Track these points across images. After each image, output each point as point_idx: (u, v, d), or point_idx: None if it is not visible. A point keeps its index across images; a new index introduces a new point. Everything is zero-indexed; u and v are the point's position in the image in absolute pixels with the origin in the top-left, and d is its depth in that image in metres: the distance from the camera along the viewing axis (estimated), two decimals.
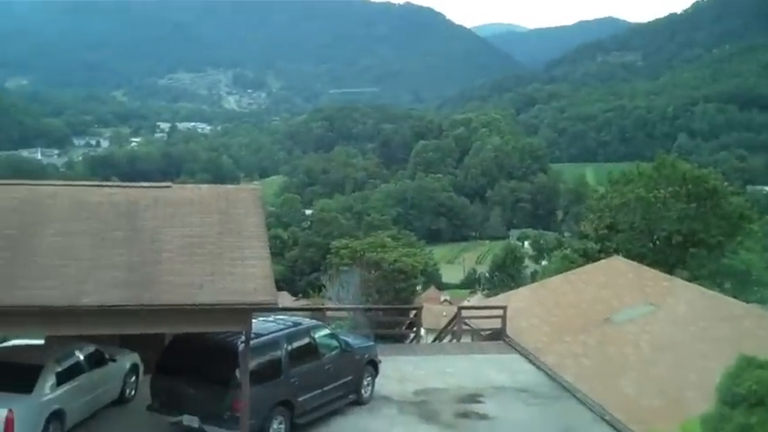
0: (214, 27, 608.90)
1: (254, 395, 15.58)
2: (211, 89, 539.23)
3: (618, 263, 30.41)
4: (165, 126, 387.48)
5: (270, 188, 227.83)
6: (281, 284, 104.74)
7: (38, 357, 16.88)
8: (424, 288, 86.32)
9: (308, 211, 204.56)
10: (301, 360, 17.90)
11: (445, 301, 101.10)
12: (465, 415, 19.49)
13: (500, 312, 26.07)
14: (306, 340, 18.50)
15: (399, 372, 22.42)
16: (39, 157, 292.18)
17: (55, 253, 16.05)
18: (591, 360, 22.24)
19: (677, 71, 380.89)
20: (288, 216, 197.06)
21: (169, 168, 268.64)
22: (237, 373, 15.66)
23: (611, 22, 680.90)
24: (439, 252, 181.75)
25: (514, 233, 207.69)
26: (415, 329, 27.50)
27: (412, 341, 27.41)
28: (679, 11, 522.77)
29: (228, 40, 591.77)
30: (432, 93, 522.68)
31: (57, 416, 16.22)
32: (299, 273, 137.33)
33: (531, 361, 23.68)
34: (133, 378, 19.72)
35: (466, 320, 26.74)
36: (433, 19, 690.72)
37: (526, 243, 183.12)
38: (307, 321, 19.82)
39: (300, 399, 17.51)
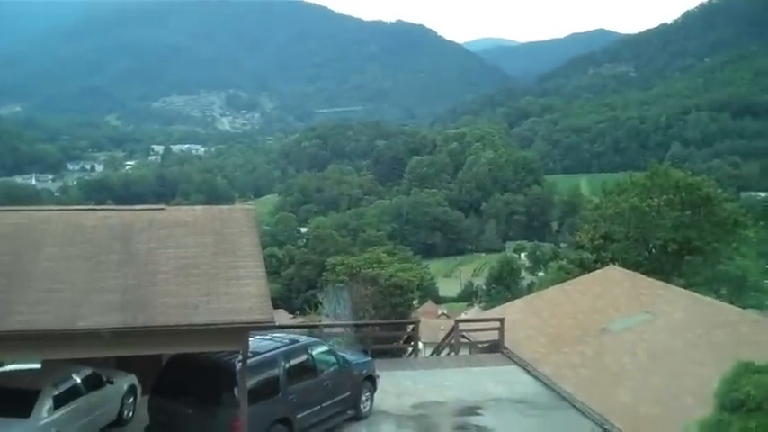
0: (207, 49, 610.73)
1: (252, 413, 15.59)
2: (205, 111, 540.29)
3: (613, 272, 30.47)
4: (159, 149, 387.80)
5: (265, 207, 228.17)
6: (278, 302, 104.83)
7: (35, 382, 16.88)
8: (421, 302, 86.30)
9: (304, 229, 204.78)
10: (299, 377, 17.92)
11: (442, 314, 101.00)
12: (463, 428, 19.50)
13: (497, 324, 26.09)
14: (303, 357, 18.52)
15: (397, 386, 22.42)
16: (33, 182, 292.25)
17: (50, 277, 16.08)
18: (589, 369, 22.25)
19: (669, 81, 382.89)
20: (283, 235, 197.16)
21: (164, 191, 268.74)
22: (235, 392, 15.66)
23: (602, 33, 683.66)
24: (435, 266, 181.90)
25: (510, 245, 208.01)
26: (412, 344, 27.52)
27: (410, 355, 27.42)
28: (670, 21, 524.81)
29: (221, 61, 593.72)
30: (424, 109, 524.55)
31: None
32: (296, 290, 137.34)
33: (528, 372, 23.70)
34: (131, 399, 19.70)
35: (463, 333, 26.77)
36: (424, 36, 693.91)
37: (522, 255, 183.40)
38: (304, 338, 19.85)
39: (299, 416, 17.52)
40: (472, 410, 20.66)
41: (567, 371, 22.42)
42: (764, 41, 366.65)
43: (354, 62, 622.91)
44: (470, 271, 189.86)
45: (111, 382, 18.90)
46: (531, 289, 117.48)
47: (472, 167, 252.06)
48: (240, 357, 15.83)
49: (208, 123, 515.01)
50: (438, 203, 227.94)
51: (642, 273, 31.53)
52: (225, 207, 21.93)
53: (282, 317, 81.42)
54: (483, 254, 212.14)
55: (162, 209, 19.66)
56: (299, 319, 66.84)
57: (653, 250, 40.94)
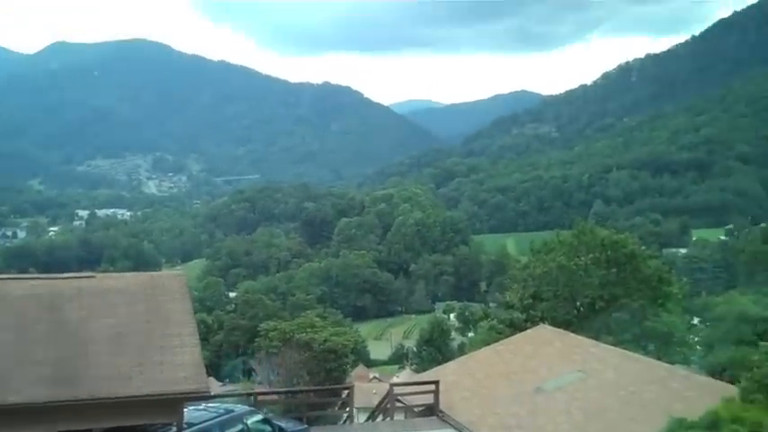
0: (132, 111, 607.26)
1: None
2: (131, 174, 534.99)
3: (544, 331, 30.76)
4: (83, 213, 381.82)
5: (192, 272, 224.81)
6: (208, 370, 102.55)
7: None
8: (353, 366, 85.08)
9: (233, 294, 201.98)
10: None
11: (374, 378, 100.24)
12: None
13: (432, 387, 26.00)
14: (239, 427, 18.17)
15: None
16: None
17: None
18: (524, 431, 22.32)
19: (590, 140, 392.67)
20: (211, 300, 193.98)
21: (89, 256, 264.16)
22: None
23: (524, 95, 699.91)
24: (365, 329, 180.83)
25: (440, 306, 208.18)
26: (347, 409, 27.23)
27: (345, 421, 27.10)
28: (589, 82, 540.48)
29: (147, 123, 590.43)
30: (352, 170, 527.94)
31: None
32: (226, 357, 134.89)
33: None
34: None
35: (398, 397, 26.61)
36: (351, 97, 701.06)
37: (452, 315, 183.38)
38: (239, 408, 19.52)
39: None
40: None
41: None
42: (678, 101, 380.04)
43: (282, 124, 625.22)
44: (401, 333, 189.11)
45: None
46: (462, 350, 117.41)
47: (400, 228, 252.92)
48: (175, 430, 15.53)
49: (134, 187, 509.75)
50: (367, 265, 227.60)
51: (572, 331, 31.90)
52: (156, 273, 21.64)
53: (212, 385, 79.57)
54: (413, 315, 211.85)
55: (92, 276, 19.33)
56: (230, 387, 65.58)
57: (581, 308, 41.45)
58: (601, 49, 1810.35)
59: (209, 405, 18.93)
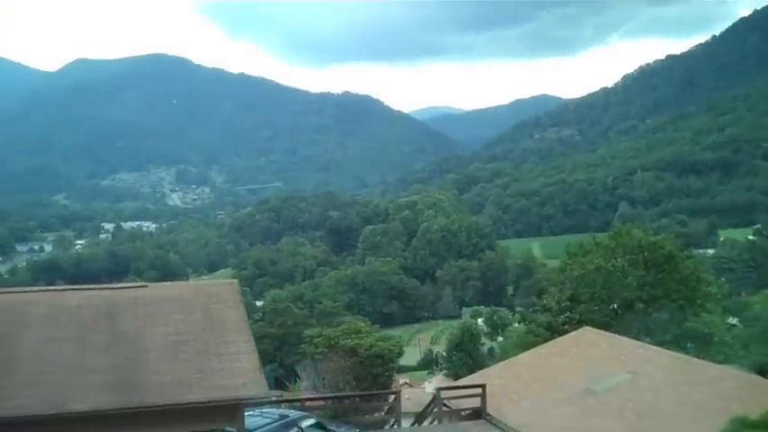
0: (155, 124, 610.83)
1: None
2: (155, 187, 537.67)
3: (589, 333, 30.54)
4: (109, 227, 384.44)
5: None
6: None
7: None
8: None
9: (259, 303, 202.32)
10: None
11: (405, 383, 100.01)
12: None
13: (479, 391, 25.89)
14: (293, 430, 18.31)
15: None
16: None
17: (37, 360, 15.81)
18: None
19: (613, 143, 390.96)
20: None
21: (116, 268, 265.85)
22: None
23: (545, 99, 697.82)
24: (393, 335, 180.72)
25: (467, 311, 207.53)
26: (394, 414, 27.18)
27: (392, 426, 27.07)
28: (610, 84, 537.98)
29: (170, 136, 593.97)
30: (374, 178, 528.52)
31: None
32: None
33: None
34: None
35: (445, 402, 26.52)
36: (372, 106, 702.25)
37: (479, 320, 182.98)
38: (293, 413, 19.63)
39: None
40: None
41: None
42: (701, 102, 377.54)
43: (304, 134, 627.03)
44: (428, 338, 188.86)
45: None
46: (491, 354, 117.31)
47: (425, 234, 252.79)
48: None
49: (158, 199, 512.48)
50: (393, 272, 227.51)
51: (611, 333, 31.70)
52: (208, 282, 21.87)
53: None
54: (440, 320, 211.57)
55: (145, 286, 19.49)
56: (274, 393, 65.57)
57: (619, 310, 41.27)
58: (620, 51, 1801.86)
59: (264, 411, 19.07)
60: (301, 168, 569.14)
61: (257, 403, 17.14)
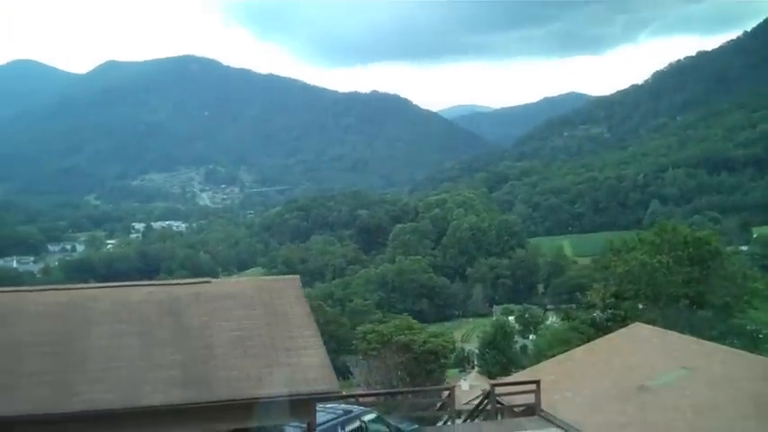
0: (183, 125, 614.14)
1: None
2: (184, 187, 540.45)
3: (641, 329, 30.28)
4: (139, 226, 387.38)
5: None
6: None
7: None
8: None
9: None
10: None
11: None
12: None
13: (533, 387, 25.71)
14: (357, 424, 18.37)
15: None
16: (15, 265, 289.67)
17: (104, 355, 15.90)
18: (635, 428, 21.91)
19: (644, 140, 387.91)
20: None
21: (146, 268, 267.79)
22: None
23: (573, 96, 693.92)
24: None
25: (497, 309, 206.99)
26: (448, 410, 27.06)
27: (446, 422, 26.96)
28: (640, 81, 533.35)
29: (199, 137, 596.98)
30: (403, 177, 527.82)
31: None
32: None
33: None
34: None
35: (498, 397, 26.36)
36: (400, 105, 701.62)
37: (511, 318, 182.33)
38: (356, 408, 19.68)
39: None
40: None
41: (614, 430, 22.12)
42: (733, 98, 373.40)
43: (332, 133, 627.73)
44: (459, 336, 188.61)
45: None
46: (524, 352, 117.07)
47: (455, 233, 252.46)
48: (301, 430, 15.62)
49: (188, 199, 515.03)
50: (423, 270, 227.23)
51: None
52: (268, 278, 21.86)
53: None
54: (470, 318, 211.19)
55: (207, 281, 19.57)
56: None
57: (664, 306, 40.91)
58: (650, 48, 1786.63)
59: (327, 406, 19.08)
60: (329, 168, 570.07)
61: (334, 397, 17.16)
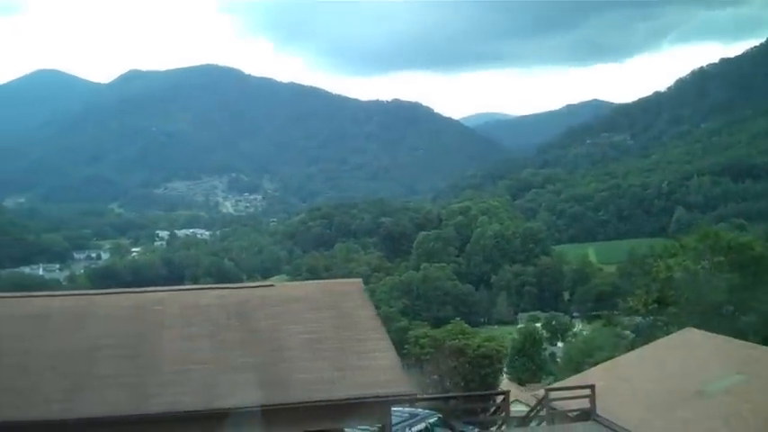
0: (206, 134, 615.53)
1: None
2: (208, 195, 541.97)
3: (693, 334, 30.03)
4: (164, 234, 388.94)
5: None
6: None
7: None
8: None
9: None
10: None
11: None
12: None
13: (587, 392, 25.54)
14: (423, 426, 18.44)
15: None
16: (41, 272, 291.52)
17: (177, 358, 16.01)
18: None
19: (667, 147, 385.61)
20: None
21: (171, 275, 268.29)
22: None
23: (596, 104, 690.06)
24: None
25: (522, 317, 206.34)
26: (503, 415, 26.95)
27: (500, 427, 26.85)
28: (663, 89, 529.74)
29: (221, 146, 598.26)
30: (425, 184, 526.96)
31: None
32: None
33: None
34: None
35: (552, 403, 26.22)
36: (422, 113, 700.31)
37: (537, 325, 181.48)
38: (421, 411, 19.76)
39: None
40: None
41: None
42: (757, 105, 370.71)
43: (354, 142, 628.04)
44: None
45: None
46: (553, 359, 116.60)
47: (479, 240, 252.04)
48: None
49: (211, 207, 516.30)
50: (448, 277, 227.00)
51: None
52: (331, 281, 22.00)
53: None
54: (495, 326, 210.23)
55: (271, 285, 19.72)
56: None
57: (708, 313, 40.57)
58: (672, 56, 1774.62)
59: (394, 409, 19.10)
60: (351, 176, 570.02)
61: (409, 400, 17.18)
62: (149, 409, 14.38)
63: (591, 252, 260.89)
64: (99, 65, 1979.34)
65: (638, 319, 42.34)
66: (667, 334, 34.64)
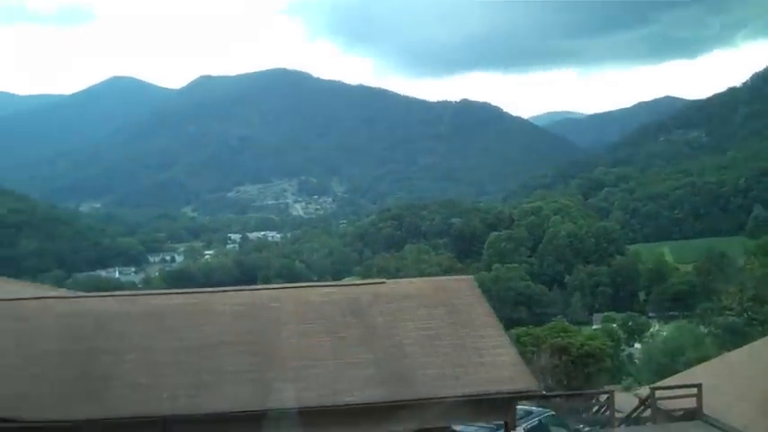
0: (277, 138, 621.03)
1: None
2: (278, 198, 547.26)
3: None
4: (236, 237, 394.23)
5: None
6: None
7: None
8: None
9: None
10: None
11: None
12: None
13: (694, 391, 25.05)
14: (535, 423, 18.36)
15: None
16: (117, 275, 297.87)
17: (297, 354, 16.15)
18: None
19: (744, 144, 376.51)
20: None
21: (243, 277, 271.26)
22: None
23: (668, 101, 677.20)
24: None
25: (597, 317, 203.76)
26: (607, 414, 26.62)
27: (602, 426, 26.50)
28: (738, 84, 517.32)
29: (290, 149, 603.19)
30: (495, 185, 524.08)
31: None
32: None
33: None
34: None
35: (658, 402, 25.78)
36: (491, 113, 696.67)
37: (614, 326, 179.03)
38: (535, 409, 19.68)
39: None
40: None
41: None
42: None
43: (423, 143, 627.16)
44: None
45: None
46: (631, 360, 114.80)
47: (552, 240, 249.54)
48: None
49: (281, 210, 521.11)
50: (520, 278, 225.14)
51: None
52: (442, 278, 21.98)
53: None
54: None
55: (383, 282, 19.71)
56: None
57: None
58: (747, 50, 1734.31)
59: None
60: (420, 178, 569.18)
61: (534, 396, 17.11)
62: (272, 405, 14.52)
63: (666, 251, 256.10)
64: (171, 71, 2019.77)
65: (732, 318, 41.22)
66: (764, 332, 33.78)
